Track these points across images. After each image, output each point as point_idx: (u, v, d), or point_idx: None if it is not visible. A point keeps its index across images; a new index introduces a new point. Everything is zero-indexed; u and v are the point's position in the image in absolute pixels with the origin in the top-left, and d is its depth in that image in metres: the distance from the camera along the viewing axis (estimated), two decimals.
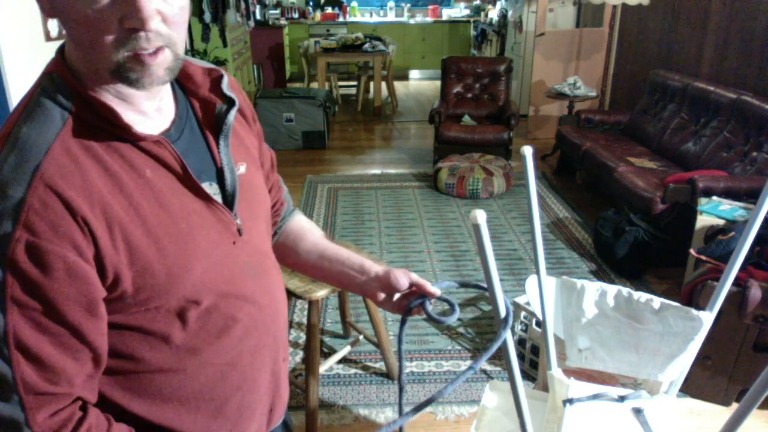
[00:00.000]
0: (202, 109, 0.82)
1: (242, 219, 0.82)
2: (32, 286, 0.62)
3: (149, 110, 0.74)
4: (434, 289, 0.93)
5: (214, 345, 0.79)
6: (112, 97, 0.70)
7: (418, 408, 0.73)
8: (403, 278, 0.94)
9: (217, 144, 0.80)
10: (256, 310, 0.84)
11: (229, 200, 0.80)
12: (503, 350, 0.84)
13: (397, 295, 0.97)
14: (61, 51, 0.72)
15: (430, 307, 0.92)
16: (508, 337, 0.81)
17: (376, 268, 0.97)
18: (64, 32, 0.65)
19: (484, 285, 0.88)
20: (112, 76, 0.67)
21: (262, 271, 0.87)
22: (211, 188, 0.79)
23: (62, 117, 0.67)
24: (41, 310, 0.63)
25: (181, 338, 0.76)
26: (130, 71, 0.66)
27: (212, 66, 0.84)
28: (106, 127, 0.68)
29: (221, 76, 0.82)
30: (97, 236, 0.65)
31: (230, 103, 0.82)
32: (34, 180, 0.62)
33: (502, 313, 0.77)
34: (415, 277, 0.95)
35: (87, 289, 0.66)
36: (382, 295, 0.97)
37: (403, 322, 0.93)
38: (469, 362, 2.47)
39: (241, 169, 0.83)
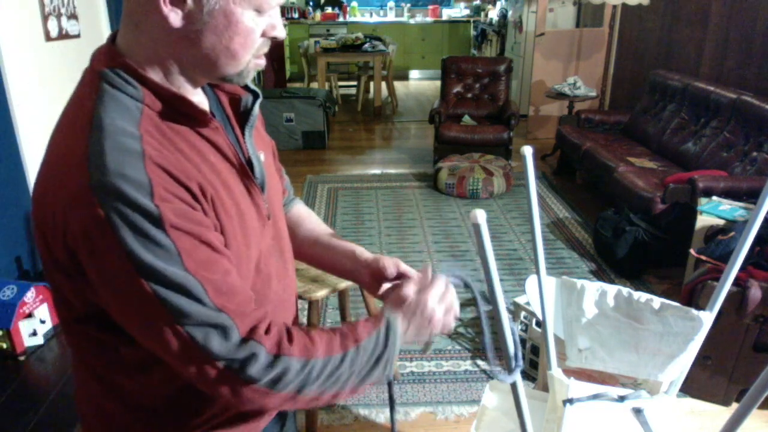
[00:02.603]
0: (229, 101, 0.86)
1: (268, 204, 0.86)
2: (199, 242, 0.68)
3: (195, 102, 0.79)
4: None
5: None
6: (174, 89, 0.74)
7: None
8: (391, 266, 0.96)
9: (243, 134, 0.84)
10: (281, 289, 0.89)
11: (259, 187, 0.84)
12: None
13: (386, 285, 0.98)
14: (110, 47, 0.73)
15: None
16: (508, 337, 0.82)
17: (366, 254, 1.00)
18: (120, 31, 0.65)
19: (478, 289, 0.88)
20: (224, 78, 0.74)
21: (284, 253, 0.92)
22: None
23: (137, 107, 0.70)
24: (214, 259, 0.69)
25: None
26: (248, 73, 0.75)
27: None
28: (174, 116, 0.73)
29: None
30: (203, 207, 0.70)
31: (254, 95, 0.86)
32: (144, 161, 0.66)
33: (503, 313, 0.77)
34: (404, 266, 0.97)
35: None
36: (370, 281, 0.99)
37: None
38: (469, 362, 2.47)
39: (262, 157, 0.88)
